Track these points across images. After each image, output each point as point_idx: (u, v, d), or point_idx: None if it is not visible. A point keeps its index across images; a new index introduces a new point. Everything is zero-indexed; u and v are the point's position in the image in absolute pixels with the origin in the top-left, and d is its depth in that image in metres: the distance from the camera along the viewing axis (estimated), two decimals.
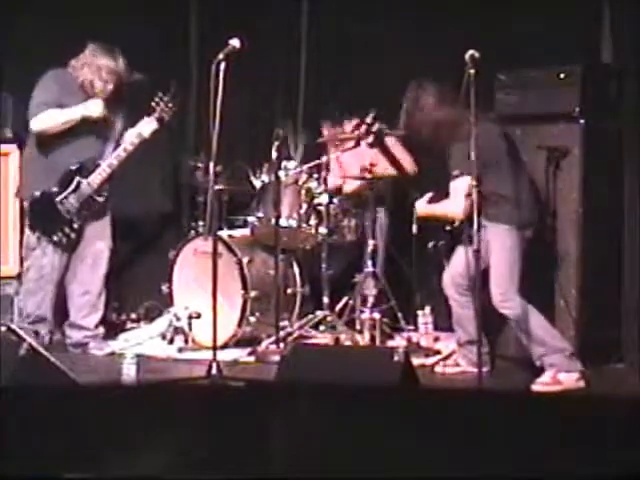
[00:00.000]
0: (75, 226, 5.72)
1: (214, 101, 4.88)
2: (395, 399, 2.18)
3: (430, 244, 5.47)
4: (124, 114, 5.86)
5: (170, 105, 5.79)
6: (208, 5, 7.05)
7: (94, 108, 5.64)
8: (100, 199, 5.78)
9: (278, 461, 1.96)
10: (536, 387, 4.88)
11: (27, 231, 5.76)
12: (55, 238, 5.69)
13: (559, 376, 4.90)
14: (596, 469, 1.93)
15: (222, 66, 4.87)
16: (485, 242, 4.89)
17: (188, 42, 7.13)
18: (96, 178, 5.72)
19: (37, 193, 5.68)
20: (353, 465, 1.96)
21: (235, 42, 4.97)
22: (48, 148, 5.69)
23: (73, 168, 5.69)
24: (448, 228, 5.18)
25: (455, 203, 4.91)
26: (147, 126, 5.75)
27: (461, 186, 4.83)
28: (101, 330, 5.96)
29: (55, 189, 5.69)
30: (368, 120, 5.75)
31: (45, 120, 5.61)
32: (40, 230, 5.69)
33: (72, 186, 5.70)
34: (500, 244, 4.98)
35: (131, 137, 5.73)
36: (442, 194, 5.06)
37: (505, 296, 4.94)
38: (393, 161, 6.34)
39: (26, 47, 6.15)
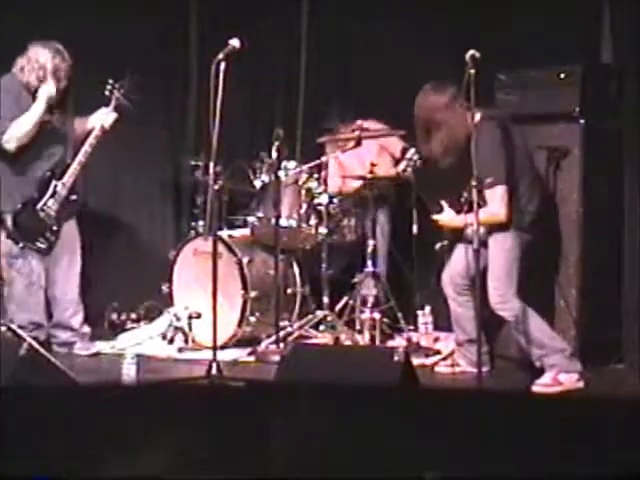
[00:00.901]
0: (55, 229, 5.72)
1: (214, 101, 4.87)
2: (395, 399, 2.18)
3: (437, 245, 5.45)
4: (74, 109, 5.81)
5: (124, 92, 5.74)
6: (208, 5, 7.05)
7: (48, 89, 5.55)
8: (73, 197, 5.78)
9: (278, 461, 1.96)
10: (536, 388, 4.87)
11: (7, 241, 5.69)
12: (39, 245, 5.68)
13: (559, 377, 4.90)
14: (596, 469, 1.93)
15: (222, 66, 4.87)
16: (485, 242, 4.90)
17: (188, 42, 7.12)
18: (70, 178, 5.71)
19: (19, 205, 5.65)
20: (353, 465, 1.96)
21: (235, 42, 4.96)
22: (12, 159, 5.64)
23: (48, 173, 5.68)
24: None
25: (498, 211, 4.85)
26: (107, 117, 5.73)
27: (500, 192, 4.82)
28: (87, 329, 5.96)
29: (34, 196, 5.66)
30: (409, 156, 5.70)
31: (16, 133, 5.57)
32: (24, 240, 5.65)
33: (50, 191, 5.69)
34: (499, 246, 4.98)
35: (94, 131, 5.70)
36: (454, 200, 5.00)
37: (503, 298, 4.94)
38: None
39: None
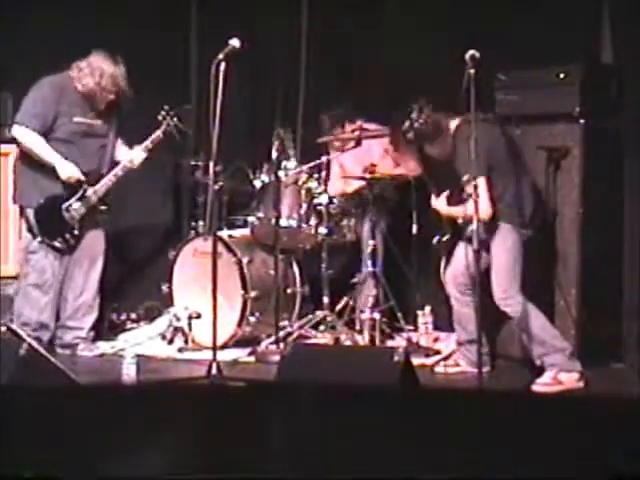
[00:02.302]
0: (76, 232, 5.73)
1: (214, 101, 4.87)
2: (395, 399, 2.18)
3: (435, 239, 5.44)
4: (117, 124, 5.86)
5: (176, 122, 5.81)
6: (208, 5, 7.05)
7: (67, 170, 5.64)
8: (103, 208, 5.81)
9: (278, 461, 1.96)
10: (537, 387, 4.88)
11: (27, 235, 5.74)
12: (57, 244, 5.70)
13: (559, 376, 4.90)
14: (596, 469, 1.93)
15: (222, 66, 4.87)
16: (486, 241, 4.90)
17: (188, 42, 7.13)
18: (102, 187, 5.75)
19: (41, 200, 5.68)
20: (353, 465, 1.96)
21: (235, 42, 4.97)
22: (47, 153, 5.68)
23: (81, 176, 5.70)
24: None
25: (482, 207, 4.84)
26: (138, 154, 5.82)
27: (482, 188, 4.82)
28: (92, 333, 5.96)
29: (60, 195, 5.69)
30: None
31: (26, 138, 5.63)
32: (43, 236, 5.68)
33: (79, 194, 5.72)
34: (502, 243, 4.99)
35: (137, 154, 5.78)
36: (457, 194, 5.03)
37: (507, 294, 4.95)
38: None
39: (27, 47, 6.15)
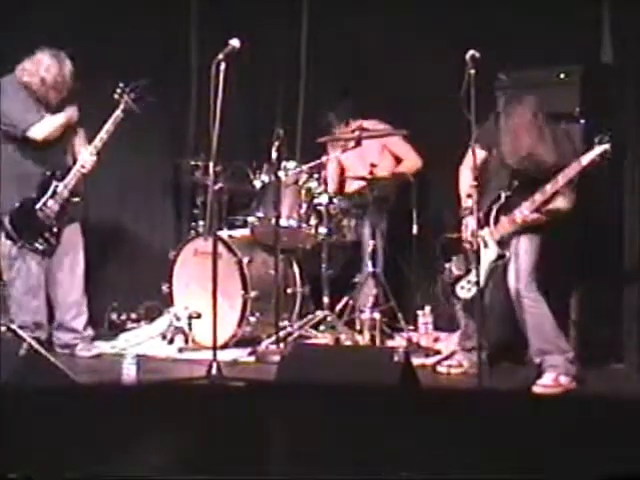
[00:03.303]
0: (55, 230, 5.72)
1: (214, 101, 4.87)
2: (395, 399, 2.18)
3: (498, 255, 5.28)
4: (78, 116, 5.83)
5: (134, 97, 5.71)
6: (208, 6, 7.05)
7: (41, 131, 5.62)
8: (76, 200, 5.78)
9: (278, 461, 1.96)
10: (537, 389, 4.87)
11: (5, 242, 5.70)
12: (38, 246, 5.68)
13: (560, 379, 4.90)
14: (596, 469, 1.93)
15: (222, 66, 4.87)
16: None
17: (188, 42, 7.12)
18: (72, 180, 5.71)
19: (16, 204, 5.66)
20: (353, 465, 1.96)
21: (235, 42, 4.96)
22: (12, 158, 5.66)
23: (49, 173, 5.68)
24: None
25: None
26: (90, 158, 5.74)
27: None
28: (89, 332, 5.96)
29: (32, 196, 5.67)
30: None
31: (47, 127, 5.63)
32: (22, 240, 5.66)
33: (50, 191, 5.70)
34: (528, 237, 4.98)
35: (86, 158, 5.72)
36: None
37: (532, 285, 4.93)
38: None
39: (27, 47, 6.14)
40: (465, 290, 5.17)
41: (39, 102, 5.66)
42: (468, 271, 5.12)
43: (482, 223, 4.96)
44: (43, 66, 5.60)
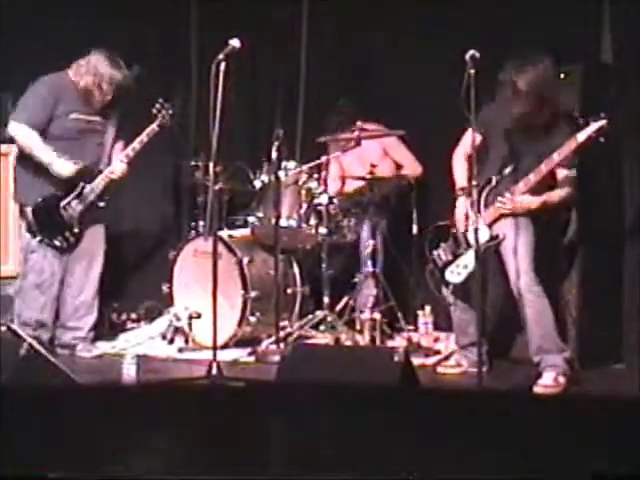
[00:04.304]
0: (75, 231, 5.74)
1: (214, 101, 4.87)
2: (395, 399, 2.18)
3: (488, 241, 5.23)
4: (117, 121, 5.87)
5: (171, 112, 5.81)
6: (208, 6, 7.05)
7: (64, 168, 5.65)
8: (101, 204, 5.80)
9: (278, 461, 1.96)
10: (537, 389, 4.87)
11: (26, 234, 5.74)
12: (57, 243, 5.71)
13: (559, 379, 4.89)
14: (596, 469, 1.93)
15: (222, 66, 4.87)
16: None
17: (188, 42, 7.13)
18: (99, 184, 5.74)
19: (39, 198, 5.68)
20: (353, 465, 1.96)
21: (235, 42, 4.96)
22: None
23: (80, 166, 5.70)
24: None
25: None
26: (120, 166, 5.80)
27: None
28: (91, 334, 5.96)
29: (58, 193, 5.70)
30: None
31: (21, 135, 5.64)
32: (42, 235, 5.69)
33: (76, 191, 5.72)
34: (526, 232, 4.97)
35: (117, 166, 5.77)
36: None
37: (534, 281, 4.91)
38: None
39: (26, 46, 6.15)
40: (455, 274, 5.14)
41: (85, 100, 5.68)
42: (457, 256, 5.12)
43: (474, 206, 4.90)
44: (98, 67, 5.64)
